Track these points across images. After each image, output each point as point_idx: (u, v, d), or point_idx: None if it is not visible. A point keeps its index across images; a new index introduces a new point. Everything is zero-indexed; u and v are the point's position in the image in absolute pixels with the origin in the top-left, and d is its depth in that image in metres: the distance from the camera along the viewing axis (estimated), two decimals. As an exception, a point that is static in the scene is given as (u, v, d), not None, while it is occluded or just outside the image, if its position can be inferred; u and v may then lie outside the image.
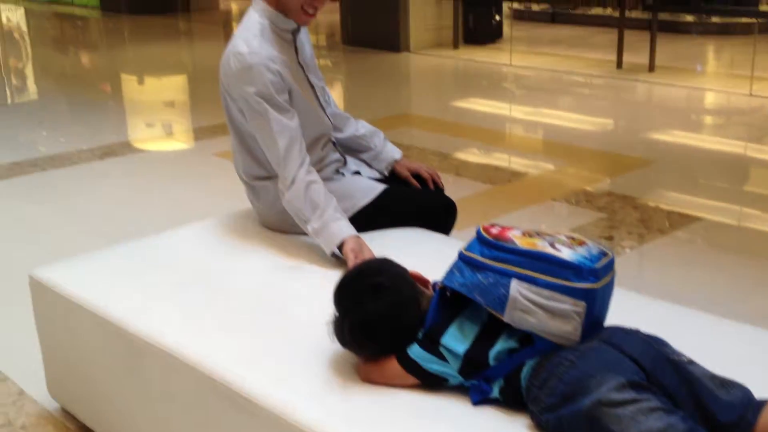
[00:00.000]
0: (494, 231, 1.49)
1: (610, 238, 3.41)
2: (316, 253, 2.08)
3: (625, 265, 3.11)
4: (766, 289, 3.02)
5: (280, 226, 2.24)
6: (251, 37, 2.08)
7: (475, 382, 1.45)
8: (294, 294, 1.93)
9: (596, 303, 1.42)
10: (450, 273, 1.51)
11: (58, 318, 2.08)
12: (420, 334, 1.51)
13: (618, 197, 3.94)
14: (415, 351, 1.49)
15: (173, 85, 7.69)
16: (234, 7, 12.66)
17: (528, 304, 1.39)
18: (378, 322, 1.52)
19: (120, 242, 2.31)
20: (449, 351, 1.46)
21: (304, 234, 2.13)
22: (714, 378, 1.37)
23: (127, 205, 3.95)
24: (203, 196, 3.99)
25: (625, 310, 1.58)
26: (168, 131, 5.76)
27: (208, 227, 2.33)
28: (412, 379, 1.50)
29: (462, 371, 1.46)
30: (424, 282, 1.63)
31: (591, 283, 1.40)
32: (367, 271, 1.62)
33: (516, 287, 1.40)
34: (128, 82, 7.84)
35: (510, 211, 3.78)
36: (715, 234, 3.62)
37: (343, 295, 1.58)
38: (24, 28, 11.79)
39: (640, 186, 4.20)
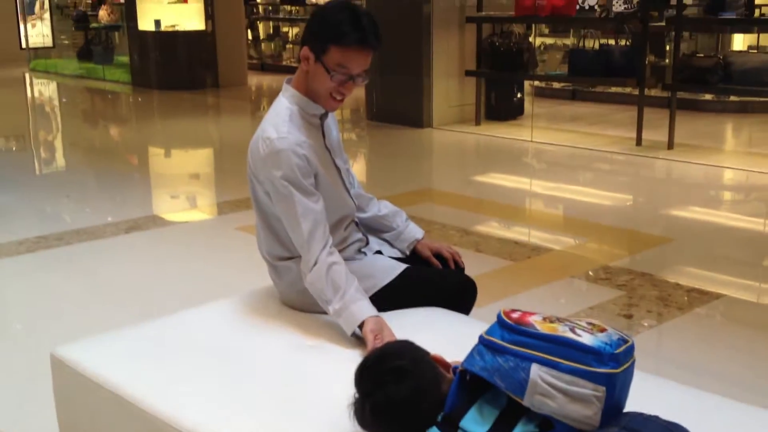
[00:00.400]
0: (515, 315, 1.52)
1: (629, 317, 3.41)
2: (337, 333, 2.11)
3: (644, 343, 3.12)
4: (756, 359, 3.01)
5: (301, 306, 2.28)
6: (280, 122, 2.16)
7: None
8: (315, 374, 1.95)
9: (616, 388, 1.44)
10: (470, 356, 1.53)
11: (78, 396, 2.09)
12: (440, 417, 1.52)
13: (637, 274, 3.95)
14: None
15: (199, 159, 7.86)
16: (262, 83, 13.00)
17: (548, 388, 1.41)
18: (399, 406, 1.54)
19: (143, 319, 2.35)
20: None
21: (326, 313, 2.16)
22: None
23: (151, 280, 4.01)
24: (225, 271, 4.06)
25: (644, 394, 1.60)
26: (192, 204, 5.88)
27: (230, 305, 2.37)
28: None
29: None
30: (446, 365, 1.65)
31: (611, 369, 1.41)
32: (389, 354, 1.65)
33: (536, 371, 1.42)
34: (155, 155, 8.03)
35: (530, 288, 3.80)
36: (735, 311, 3.62)
37: (364, 376, 1.61)
38: (55, 101, 12.15)
39: (659, 263, 4.22)
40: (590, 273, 4.02)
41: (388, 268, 2.31)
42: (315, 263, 2.10)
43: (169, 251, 4.54)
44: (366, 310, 2.06)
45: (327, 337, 2.12)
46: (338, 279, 2.09)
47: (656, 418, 1.45)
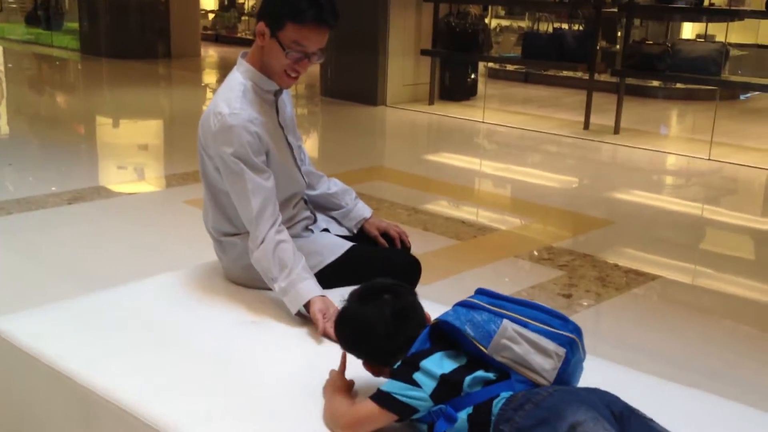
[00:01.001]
0: (495, 292, 1.66)
1: (568, 296, 3.50)
2: (279, 309, 2.13)
3: (582, 322, 3.20)
4: (715, 346, 3.13)
5: (245, 281, 2.29)
6: (233, 98, 2.15)
7: (444, 407, 1.51)
8: (256, 350, 1.95)
9: (574, 358, 1.55)
10: (445, 313, 1.62)
11: (14, 369, 2.06)
12: (397, 365, 1.59)
13: (579, 255, 4.05)
14: (388, 385, 1.56)
15: (148, 130, 7.76)
16: (215, 55, 12.83)
17: (515, 334, 1.53)
18: (386, 319, 1.63)
19: (84, 292, 2.32)
20: (427, 373, 1.53)
21: (269, 289, 2.17)
22: None
23: (94, 253, 3.96)
24: (171, 245, 4.04)
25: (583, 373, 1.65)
26: (139, 176, 5.82)
27: (173, 280, 2.36)
28: (383, 418, 1.55)
29: (435, 394, 1.52)
30: (427, 317, 1.74)
31: (574, 335, 1.55)
32: (393, 282, 1.75)
33: (508, 323, 1.54)
34: (103, 125, 7.90)
35: (474, 267, 3.87)
36: (671, 292, 3.74)
37: (366, 288, 1.73)
38: (0, 67, 11.83)
39: (600, 244, 4.33)
40: (534, 253, 4.11)
41: (334, 245, 2.34)
42: (262, 241, 2.11)
43: (113, 223, 4.48)
44: (313, 289, 2.08)
45: (270, 313, 2.13)
46: (285, 257, 2.10)
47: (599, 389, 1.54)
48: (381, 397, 1.55)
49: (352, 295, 1.74)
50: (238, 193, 2.14)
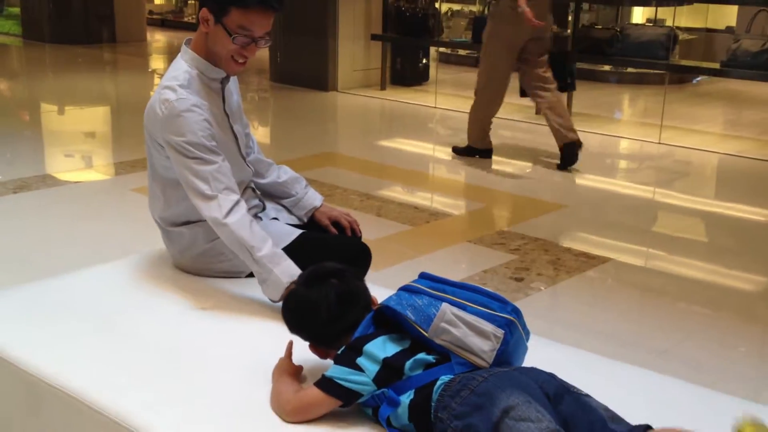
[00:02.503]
0: (437, 276, 1.68)
1: (520, 280, 3.50)
2: (228, 296, 2.10)
3: (533, 305, 3.22)
4: (667, 327, 3.16)
5: (193, 271, 2.25)
6: (177, 85, 2.09)
7: (387, 390, 1.53)
8: (204, 337, 1.93)
9: (512, 338, 1.57)
10: (388, 298, 1.63)
11: None
12: (341, 350, 1.59)
13: (531, 239, 4.06)
14: (332, 370, 1.57)
15: (94, 117, 7.57)
16: (162, 39, 12.58)
17: (454, 318, 1.54)
18: (330, 302, 1.65)
19: (29, 281, 2.27)
20: (370, 357, 1.54)
21: (216, 277, 2.14)
22: (607, 410, 1.48)
23: (40, 242, 3.86)
24: (119, 233, 3.94)
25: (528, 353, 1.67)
26: (86, 164, 5.67)
27: (120, 267, 2.32)
28: (327, 404, 1.55)
29: (377, 378, 1.53)
30: (374, 301, 1.75)
31: (512, 317, 1.57)
32: (339, 266, 1.76)
33: (446, 307, 1.56)
34: (47, 112, 7.70)
35: (426, 252, 3.85)
36: (622, 274, 3.77)
37: (312, 271, 1.76)
38: (-61, 53, 11.46)
39: (553, 228, 4.35)
40: (486, 238, 4.10)
41: (283, 233, 2.30)
42: (233, 211, 2.03)
43: (60, 212, 4.37)
44: (294, 269, 2.02)
45: (218, 300, 2.11)
46: (261, 232, 2.06)
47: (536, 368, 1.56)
48: (325, 383, 1.56)
49: (299, 278, 1.77)
50: (194, 178, 2.06)
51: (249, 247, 2.03)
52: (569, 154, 5.42)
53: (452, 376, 1.51)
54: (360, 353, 1.55)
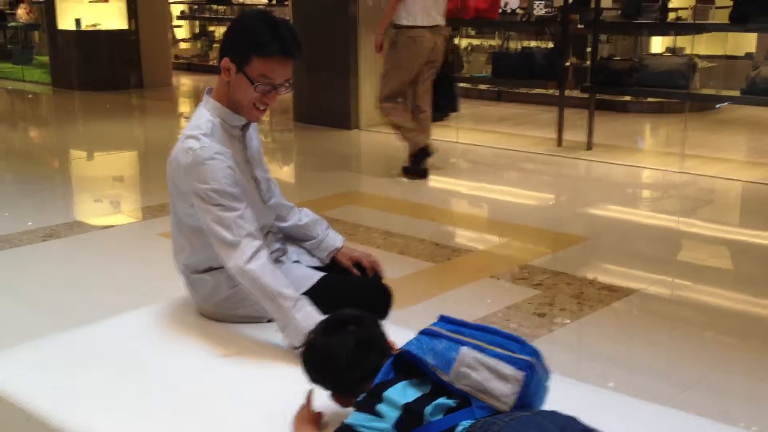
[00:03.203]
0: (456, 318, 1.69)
1: (543, 315, 3.51)
2: (254, 343, 2.13)
3: (558, 340, 3.22)
4: (694, 357, 3.14)
5: (218, 317, 2.29)
6: (201, 134, 2.15)
7: None
8: (226, 385, 1.95)
9: (533, 381, 1.56)
10: (408, 342, 1.64)
11: None
12: (361, 397, 1.60)
13: (553, 273, 4.06)
14: (351, 417, 1.57)
15: (122, 162, 7.72)
16: (188, 83, 12.82)
17: (473, 361, 1.54)
18: (348, 351, 1.66)
19: (58, 330, 2.31)
20: (390, 403, 1.54)
21: (240, 323, 2.18)
22: None
23: (69, 290, 3.93)
24: (146, 279, 4.01)
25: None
26: (114, 209, 5.78)
27: (146, 315, 2.36)
28: None
29: (398, 424, 1.53)
30: (392, 348, 1.75)
31: (532, 358, 1.56)
32: (354, 313, 1.78)
33: (466, 350, 1.57)
34: (76, 158, 7.86)
35: (450, 289, 3.86)
36: (648, 305, 3.76)
37: (329, 320, 1.78)
38: (-28, 103, 11.76)
39: (576, 261, 4.35)
40: (508, 273, 4.12)
41: (304, 277, 2.33)
42: (256, 257, 2.07)
43: (88, 258, 4.46)
44: (315, 316, 2.05)
45: (241, 347, 2.13)
46: (282, 276, 2.11)
47: (557, 411, 1.55)
48: (344, 431, 1.56)
49: (317, 326, 1.77)
50: (217, 225, 2.10)
51: (271, 293, 2.06)
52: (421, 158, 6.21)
53: (473, 422, 1.50)
54: (380, 399, 1.55)
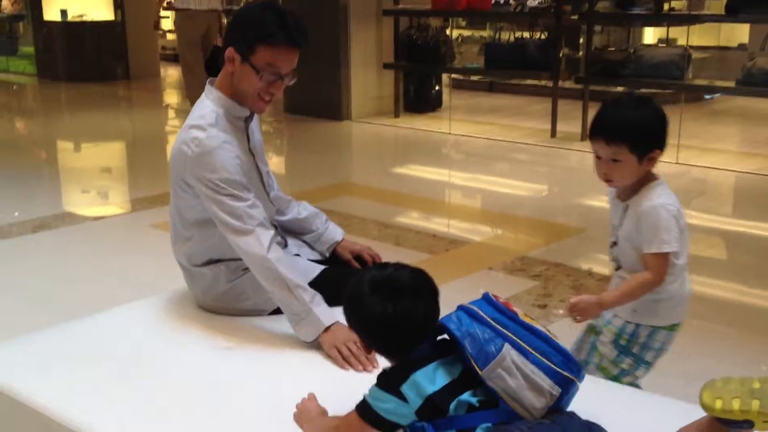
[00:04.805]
0: (502, 299, 1.59)
1: (543, 306, 3.47)
2: (254, 334, 2.09)
3: (558, 331, 3.17)
4: (690, 348, 3.11)
5: (216, 309, 2.25)
6: (206, 125, 2.11)
7: (426, 425, 1.47)
8: (228, 377, 1.92)
9: (568, 395, 1.50)
10: (448, 317, 1.54)
11: None
12: (389, 368, 1.54)
13: (551, 265, 4.02)
14: (373, 395, 1.52)
15: (111, 153, 7.63)
16: (175, 74, 12.70)
17: (512, 367, 1.46)
18: (393, 318, 1.53)
19: (51, 324, 2.27)
20: (416, 387, 1.47)
21: (241, 315, 2.14)
22: None
23: (61, 282, 3.86)
24: (140, 271, 3.94)
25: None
26: (104, 201, 5.71)
27: (144, 308, 2.31)
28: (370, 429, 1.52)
29: (419, 411, 1.48)
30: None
31: (573, 376, 1.49)
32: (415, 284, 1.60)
33: (508, 350, 1.47)
34: (64, 149, 7.76)
35: (448, 281, 3.81)
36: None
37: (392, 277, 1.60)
38: (-43, 95, 11.61)
39: (573, 252, 4.31)
40: (506, 264, 4.07)
41: (305, 270, 2.29)
42: (273, 241, 2.06)
43: (80, 250, 4.38)
44: (332, 313, 2.01)
45: (242, 339, 2.09)
46: (297, 270, 2.08)
47: (576, 415, 1.51)
48: (365, 412, 1.52)
49: (372, 276, 1.61)
50: (228, 215, 2.06)
51: (291, 284, 2.02)
52: None
53: (493, 426, 1.46)
54: (406, 379, 1.48)
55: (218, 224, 2.09)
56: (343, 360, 1.93)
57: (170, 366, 1.97)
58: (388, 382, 1.51)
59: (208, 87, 2.20)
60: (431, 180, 6.25)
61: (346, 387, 1.76)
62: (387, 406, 1.50)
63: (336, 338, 1.96)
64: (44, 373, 1.96)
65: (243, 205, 2.06)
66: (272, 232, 2.08)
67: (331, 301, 2.24)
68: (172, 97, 10.99)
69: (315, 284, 2.19)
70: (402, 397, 1.49)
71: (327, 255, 2.47)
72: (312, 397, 1.73)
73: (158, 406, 1.80)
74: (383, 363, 1.66)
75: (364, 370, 1.92)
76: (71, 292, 3.68)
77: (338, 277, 2.31)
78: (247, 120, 2.23)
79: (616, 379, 2.14)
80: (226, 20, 7.73)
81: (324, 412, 1.69)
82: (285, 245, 2.37)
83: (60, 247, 4.45)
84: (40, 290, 3.75)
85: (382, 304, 1.54)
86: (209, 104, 2.17)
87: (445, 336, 1.54)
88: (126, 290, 3.50)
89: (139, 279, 3.78)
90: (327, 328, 1.99)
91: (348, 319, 1.63)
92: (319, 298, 2.04)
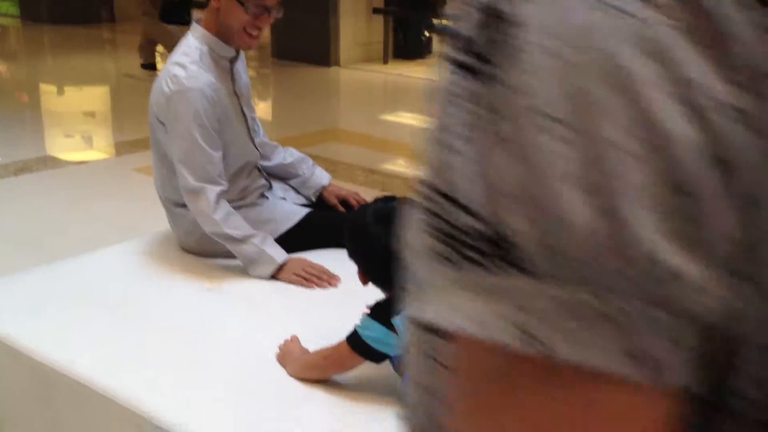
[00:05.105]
0: None
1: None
2: (237, 276, 2.08)
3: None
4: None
5: (199, 252, 2.23)
6: (189, 62, 2.06)
7: None
8: (214, 319, 1.91)
9: None
10: None
11: None
12: (382, 300, 1.54)
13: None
14: (364, 327, 1.52)
15: (94, 97, 7.53)
16: (160, 18, 12.47)
17: None
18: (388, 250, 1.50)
19: (34, 266, 2.25)
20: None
21: (223, 257, 2.12)
22: None
23: (45, 225, 3.82)
24: (123, 214, 3.91)
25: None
26: (88, 145, 5.63)
27: (127, 250, 2.29)
28: (358, 361, 1.54)
29: None
30: None
31: None
32: None
33: None
34: (47, 93, 7.64)
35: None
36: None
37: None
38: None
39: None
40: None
41: (289, 213, 2.28)
42: (220, 200, 2.05)
43: (63, 194, 4.34)
44: (282, 252, 2.05)
45: (226, 281, 2.09)
46: (242, 222, 2.08)
47: None
48: (355, 343, 1.53)
49: (376, 207, 1.60)
50: (182, 165, 2.05)
51: (240, 237, 2.04)
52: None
53: None
54: (398, 311, 1.48)
55: (175, 169, 2.09)
56: (307, 281, 1.98)
57: (154, 308, 1.96)
58: (380, 313, 1.52)
59: (193, 25, 2.16)
60: (419, 127, 6.19)
61: (330, 329, 1.75)
62: (376, 335, 1.50)
63: (291, 268, 2.02)
64: (30, 314, 1.94)
65: (200, 159, 2.04)
66: (220, 188, 2.06)
67: (314, 244, 2.23)
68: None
69: (300, 227, 2.19)
70: (393, 329, 1.49)
71: (313, 199, 2.46)
72: (295, 339, 1.73)
73: (140, 346, 1.79)
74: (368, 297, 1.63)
75: (329, 285, 1.98)
76: (55, 236, 3.65)
77: (323, 221, 2.31)
78: (233, 61, 2.19)
79: None
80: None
81: (306, 353, 1.70)
82: (270, 187, 2.35)
83: (43, 190, 4.40)
84: (24, 233, 3.71)
85: (386, 233, 1.53)
86: (193, 42, 2.12)
87: None
88: (110, 233, 3.46)
89: (125, 222, 3.74)
90: (281, 267, 2.01)
91: (349, 249, 1.63)
92: (270, 239, 2.06)
